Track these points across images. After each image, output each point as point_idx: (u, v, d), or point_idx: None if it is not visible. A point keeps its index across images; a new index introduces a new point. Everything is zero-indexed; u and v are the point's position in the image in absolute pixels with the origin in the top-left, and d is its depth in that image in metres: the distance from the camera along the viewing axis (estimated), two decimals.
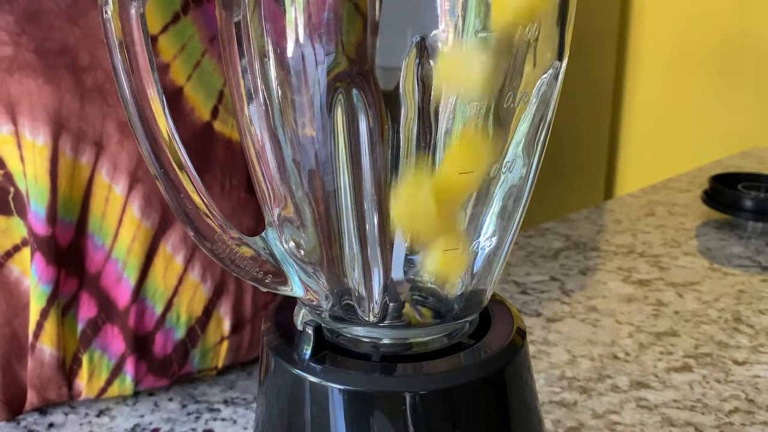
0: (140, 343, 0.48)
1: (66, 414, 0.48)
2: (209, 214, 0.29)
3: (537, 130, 0.29)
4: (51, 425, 0.47)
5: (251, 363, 0.54)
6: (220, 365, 0.51)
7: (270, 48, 0.26)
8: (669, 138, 1.64)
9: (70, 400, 0.48)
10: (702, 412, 0.48)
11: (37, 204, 0.43)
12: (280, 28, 0.26)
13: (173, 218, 0.46)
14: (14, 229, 0.44)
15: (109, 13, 0.26)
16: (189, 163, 0.28)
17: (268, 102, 0.27)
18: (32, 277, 0.44)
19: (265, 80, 0.27)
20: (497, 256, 0.30)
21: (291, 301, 0.32)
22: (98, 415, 0.48)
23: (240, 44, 0.27)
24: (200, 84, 0.45)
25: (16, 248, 0.44)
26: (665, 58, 1.62)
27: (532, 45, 0.27)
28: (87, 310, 0.46)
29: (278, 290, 0.31)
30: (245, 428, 0.47)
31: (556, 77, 0.28)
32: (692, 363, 0.54)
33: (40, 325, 0.45)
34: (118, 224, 0.45)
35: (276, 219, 0.30)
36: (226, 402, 0.50)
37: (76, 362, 0.47)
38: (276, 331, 0.31)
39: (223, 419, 0.48)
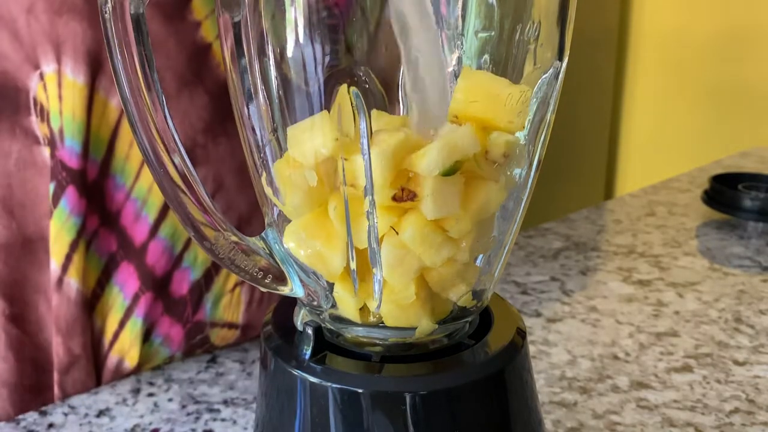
0: (157, 283, 0.50)
1: (66, 414, 0.48)
2: (209, 214, 0.29)
3: (537, 130, 0.29)
4: (51, 425, 0.47)
5: (251, 363, 0.54)
6: (237, 319, 0.53)
7: (270, 48, 0.26)
8: (669, 138, 1.64)
9: (91, 354, 0.50)
10: (702, 412, 0.48)
11: (73, 139, 0.45)
12: (280, 28, 0.26)
13: (196, 158, 0.49)
14: None
15: (109, 12, 0.26)
16: (189, 163, 0.28)
17: (268, 102, 0.27)
18: (62, 210, 0.46)
19: (265, 80, 0.27)
20: (497, 256, 0.30)
21: (291, 301, 0.32)
22: (98, 416, 0.48)
23: (240, 44, 0.27)
24: None
25: None
26: (665, 58, 1.62)
27: (532, 45, 0.27)
28: (107, 245, 0.48)
29: (278, 290, 0.31)
30: (245, 428, 0.47)
31: (556, 77, 0.28)
32: (692, 363, 0.54)
33: (69, 258, 0.47)
34: (141, 165, 0.48)
35: (276, 219, 0.30)
36: (226, 402, 0.50)
37: (95, 297, 0.49)
38: (276, 331, 0.31)
39: (223, 419, 0.48)
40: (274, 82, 0.27)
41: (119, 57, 0.26)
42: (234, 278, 0.53)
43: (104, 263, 0.49)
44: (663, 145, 1.66)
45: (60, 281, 0.47)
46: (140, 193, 0.48)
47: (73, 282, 0.47)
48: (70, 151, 0.46)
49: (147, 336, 0.51)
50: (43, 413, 0.48)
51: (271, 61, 0.26)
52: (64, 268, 0.47)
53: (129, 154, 0.47)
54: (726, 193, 0.85)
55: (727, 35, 1.51)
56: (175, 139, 0.28)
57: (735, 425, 0.47)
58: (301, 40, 0.25)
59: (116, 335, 0.50)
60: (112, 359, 0.51)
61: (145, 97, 0.27)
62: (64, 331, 0.48)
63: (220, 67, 0.48)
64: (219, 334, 0.54)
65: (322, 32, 0.25)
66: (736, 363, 0.54)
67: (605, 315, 0.62)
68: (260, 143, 0.29)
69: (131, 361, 0.51)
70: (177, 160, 0.28)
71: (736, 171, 0.98)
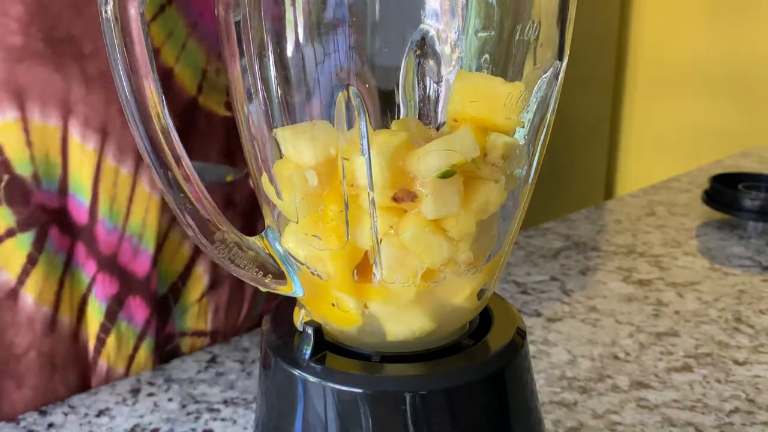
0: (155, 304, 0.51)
1: (65, 414, 0.48)
2: (209, 213, 0.29)
3: (537, 130, 0.29)
4: (51, 425, 0.47)
5: (251, 363, 0.54)
6: (206, 327, 0.55)
7: (270, 48, 0.26)
8: (669, 138, 1.64)
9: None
10: (702, 412, 0.48)
11: (50, 181, 0.45)
12: (280, 28, 0.26)
13: None
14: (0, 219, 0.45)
15: (109, 12, 0.26)
16: (189, 163, 0.28)
17: (268, 102, 0.27)
18: (47, 253, 0.46)
19: (265, 80, 0.27)
20: (497, 256, 0.30)
21: (291, 301, 0.32)
22: (98, 416, 0.48)
23: (240, 44, 0.27)
24: (187, 64, 0.49)
25: (0, 239, 0.45)
26: (665, 58, 1.62)
27: (532, 45, 0.27)
28: (108, 289, 0.49)
29: (278, 290, 0.31)
30: (245, 428, 0.47)
31: (556, 77, 0.28)
32: (692, 363, 0.54)
33: (58, 296, 0.48)
34: (129, 202, 0.48)
35: (276, 219, 0.30)
36: (226, 402, 0.50)
37: (100, 342, 0.50)
38: (276, 331, 0.31)
39: (223, 419, 0.48)
40: (274, 82, 0.27)
41: (119, 57, 0.26)
42: (200, 288, 0.54)
43: (107, 307, 0.50)
44: (663, 145, 1.66)
45: (53, 321, 0.48)
46: (134, 228, 0.49)
47: (65, 319, 0.48)
48: (48, 193, 0.45)
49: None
50: (43, 413, 0.48)
51: (271, 61, 0.26)
52: (55, 307, 0.48)
53: (115, 195, 0.47)
54: (726, 193, 0.85)
55: (727, 34, 1.51)
56: (174, 138, 0.28)
57: (735, 425, 0.47)
58: (301, 40, 0.25)
59: (131, 359, 0.52)
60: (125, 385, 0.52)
61: (146, 97, 0.27)
62: (60, 370, 0.49)
63: (183, 91, 0.49)
64: (189, 342, 0.55)
65: (321, 32, 0.25)
66: (736, 363, 0.54)
67: (605, 315, 0.62)
68: (260, 143, 0.29)
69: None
70: (177, 158, 0.28)
71: (736, 171, 0.98)
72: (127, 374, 0.52)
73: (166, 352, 0.54)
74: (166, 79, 0.48)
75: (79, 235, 0.47)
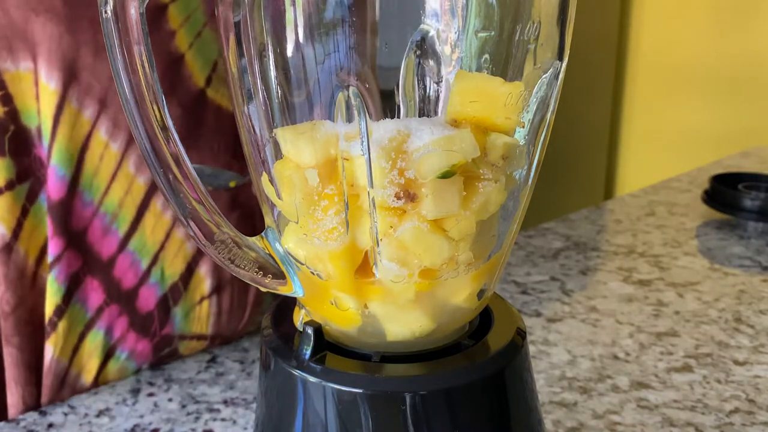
0: (123, 296, 0.49)
1: (66, 414, 0.48)
2: (210, 212, 0.29)
3: (537, 130, 0.29)
4: (50, 425, 0.47)
5: (251, 363, 0.54)
6: (206, 331, 0.53)
7: (270, 48, 0.26)
8: (669, 138, 1.64)
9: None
10: (702, 412, 0.48)
11: (46, 143, 0.45)
12: (280, 28, 0.26)
13: None
14: (1, 170, 0.44)
15: (109, 12, 0.26)
16: (188, 163, 0.28)
17: (268, 102, 0.27)
18: (39, 206, 0.46)
19: (265, 80, 0.27)
20: (497, 256, 0.30)
21: (291, 301, 0.32)
22: (98, 416, 0.48)
23: (240, 44, 0.27)
24: (199, 53, 0.48)
25: (0, 191, 0.45)
26: (665, 58, 1.62)
27: (532, 45, 0.27)
28: (70, 266, 0.47)
29: (278, 290, 0.31)
30: (245, 428, 0.47)
31: (556, 77, 0.28)
32: (693, 363, 0.54)
33: (43, 251, 0.46)
34: (111, 179, 0.47)
35: (276, 219, 0.30)
36: (226, 402, 0.50)
37: (52, 325, 0.47)
38: (276, 331, 0.31)
39: (223, 419, 0.48)
40: (274, 82, 0.27)
41: (119, 57, 0.26)
42: (200, 291, 0.52)
43: (65, 287, 0.47)
44: (663, 145, 1.66)
45: (35, 279, 0.47)
46: (110, 207, 0.47)
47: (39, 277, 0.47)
48: (45, 150, 0.45)
49: (112, 351, 0.50)
50: (43, 413, 0.48)
51: (271, 61, 0.26)
52: (38, 261, 0.47)
53: (99, 167, 0.46)
54: (726, 193, 0.85)
55: (727, 34, 1.51)
56: (175, 139, 0.28)
57: (735, 425, 0.47)
58: (301, 40, 0.25)
59: (75, 350, 0.49)
60: (70, 375, 0.50)
61: (145, 97, 0.27)
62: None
63: (192, 79, 0.48)
64: (188, 345, 0.54)
65: (321, 32, 0.25)
66: (736, 363, 0.54)
67: (605, 315, 0.62)
68: (260, 143, 0.29)
69: (88, 375, 0.50)
70: (177, 158, 0.28)
71: (736, 171, 0.98)
72: (69, 367, 0.49)
73: (164, 354, 0.53)
74: (177, 65, 0.47)
75: (55, 215, 0.46)
